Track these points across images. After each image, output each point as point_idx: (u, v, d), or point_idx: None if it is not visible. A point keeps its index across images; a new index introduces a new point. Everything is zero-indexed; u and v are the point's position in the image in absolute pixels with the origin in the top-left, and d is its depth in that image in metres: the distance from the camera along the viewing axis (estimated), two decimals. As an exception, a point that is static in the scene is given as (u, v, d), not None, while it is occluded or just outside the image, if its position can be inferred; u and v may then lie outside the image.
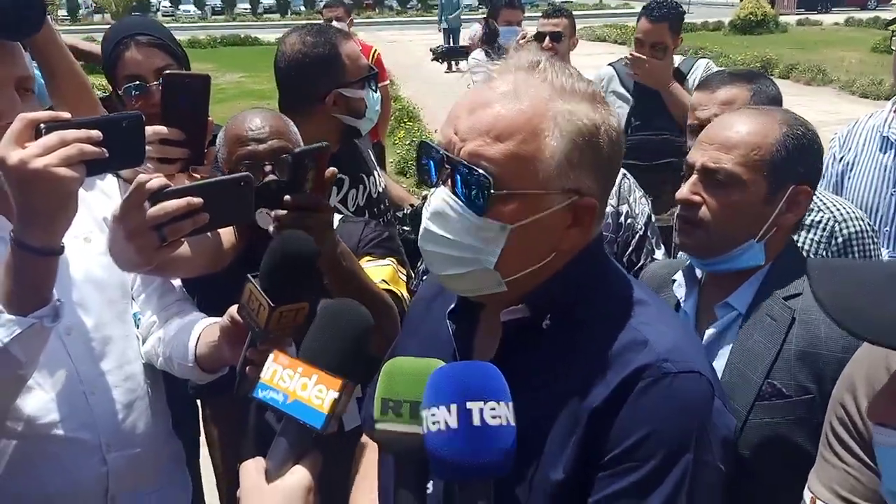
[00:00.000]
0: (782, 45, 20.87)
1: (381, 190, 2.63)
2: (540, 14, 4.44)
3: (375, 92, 2.45)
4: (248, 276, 1.41)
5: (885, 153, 2.69)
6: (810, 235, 2.08)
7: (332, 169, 1.70)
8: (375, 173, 2.65)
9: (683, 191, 1.62)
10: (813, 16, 30.30)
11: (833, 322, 0.92)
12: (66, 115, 1.35)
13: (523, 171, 1.09)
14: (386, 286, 1.88)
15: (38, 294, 1.40)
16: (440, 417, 0.96)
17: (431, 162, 1.17)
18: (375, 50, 5.97)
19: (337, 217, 2.11)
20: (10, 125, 1.49)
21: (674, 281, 1.75)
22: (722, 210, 1.58)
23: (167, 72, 1.85)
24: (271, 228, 1.63)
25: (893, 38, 2.69)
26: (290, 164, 1.64)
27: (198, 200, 1.40)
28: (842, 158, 2.83)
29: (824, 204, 2.13)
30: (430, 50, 16.40)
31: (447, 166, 1.13)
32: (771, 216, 1.58)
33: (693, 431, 1.09)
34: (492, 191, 1.08)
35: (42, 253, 1.36)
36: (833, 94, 14.53)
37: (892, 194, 2.66)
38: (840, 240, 2.06)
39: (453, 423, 0.95)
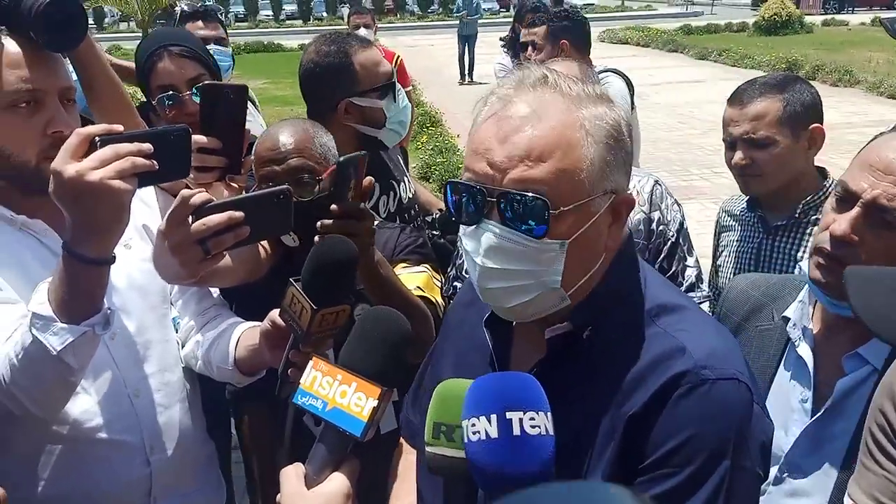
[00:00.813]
0: (808, 45, 20.65)
1: (410, 196, 2.66)
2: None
3: (397, 102, 2.40)
4: (291, 279, 1.44)
5: None
6: None
7: (369, 178, 1.73)
8: (406, 180, 2.67)
9: (842, 226, 1.38)
10: (839, 16, 29.96)
11: (867, 330, 0.92)
12: (120, 128, 1.39)
13: (571, 184, 1.10)
14: (421, 293, 1.90)
15: (90, 302, 1.44)
16: (480, 428, 0.97)
17: (471, 198, 1.13)
18: (398, 56, 6.04)
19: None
20: (55, 134, 1.54)
21: (785, 318, 1.55)
22: (883, 254, 1.35)
23: (205, 82, 1.89)
24: (294, 242, 1.66)
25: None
26: (334, 173, 1.67)
27: (239, 214, 1.43)
28: None
29: None
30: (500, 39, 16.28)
31: (490, 199, 1.11)
32: None
33: (731, 438, 1.09)
34: (551, 211, 1.08)
35: (97, 262, 1.40)
36: (861, 94, 14.34)
37: None
38: None
39: (493, 433, 0.97)
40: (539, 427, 0.97)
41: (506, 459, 0.96)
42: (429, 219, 2.74)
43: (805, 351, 1.51)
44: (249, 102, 3.12)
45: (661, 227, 2.42)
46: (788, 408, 1.55)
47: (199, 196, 1.42)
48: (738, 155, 2.22)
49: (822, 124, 2.25)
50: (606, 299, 1.20)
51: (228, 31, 4.10)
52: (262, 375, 1.83)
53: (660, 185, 2.49)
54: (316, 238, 1.62)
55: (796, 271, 1.68)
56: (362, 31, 5.61)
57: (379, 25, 6.21)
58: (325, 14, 42.82)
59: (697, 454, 1.08)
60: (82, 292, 1.42)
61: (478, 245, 1.13)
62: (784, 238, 2.27)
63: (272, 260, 1.96)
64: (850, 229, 1.37)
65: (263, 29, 37.08)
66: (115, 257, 1.44)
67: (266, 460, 2.24)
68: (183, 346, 1.92)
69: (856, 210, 1.38)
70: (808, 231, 2.14)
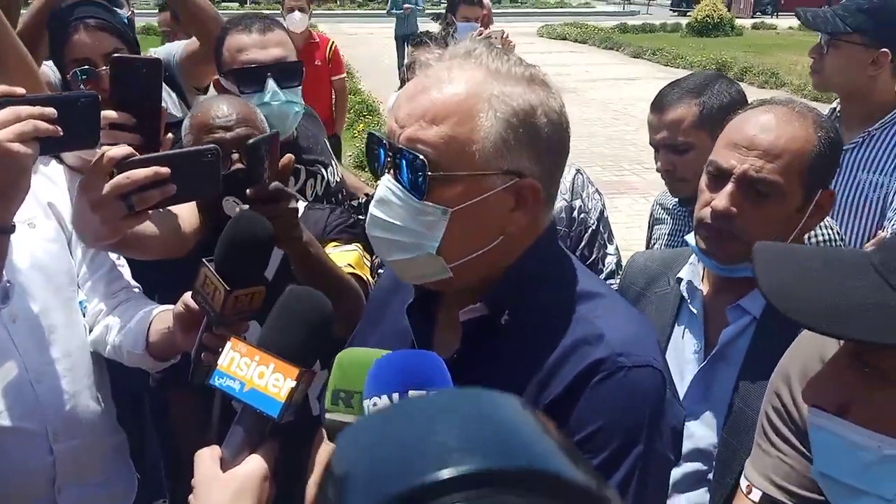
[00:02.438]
0: (737, 47, 21.22)
1: (338, 180, 2.63)
2: (501, 11, 4.52)
3: (264, 93, 2.19)
4: (203, 259, 1.40)
5: None
6: None
7: (288, 155, 1.69)
8: (333, 163, 2.65)
9: (722, 202, 1.50)
10: (768, 20, 30.92)
11: (774, 308, 0.94)
12: (21, 90, 1.32)
13: (459, 153, 1.10)
14: (352, 270, 1.89)
15: None
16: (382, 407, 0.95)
17: (381, 151, 1.18)
18: (332, 42, 6.07)
19: (302, 204, 2.10)
20: None
21: (679, 279, 1.69)
22: (762, 222, 1.49)
23: (116, 55, 1.80)
24: (235, 210, 1.62)
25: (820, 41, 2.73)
26: (247, 154, 1.62)
27: (165, 170, 1.38)
28: None
29: None
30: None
31: (390, 154, 1.15)
32: (800, 223, 1.52)
33: (644, 423, 1.11)
34: (429, 173, 1.09)
35: None
36: (786, 96, 14.84)
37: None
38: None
39: None
40: None
41: None
42: (355, 203, 2.72)
43: (697, 306, 1.64)
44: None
45: (582, 216, 2.45)
46: (684, 360, 1.64)
47: (122, 149, 1.37)
48: (662, 160, 2.27)
49: None
50: (522, 283, 1.19)
51: (159, 11, 3.90)
52: (175, 361, 1.77)
53: (581, 173, 2.51)
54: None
55: (686, 243, 1.78)
56: (296, 15, 5.50)
57: (318, 12, 6.21)
58: (262, -2, 42.06)
59: (612, 439, 1.09)
60: None
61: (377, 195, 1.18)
62: None
63: (199, 235, 1.89)
64: (729, 203, 1.50)
65: (198, 11, 36.14)
66: (14, 226, 1.38)
67: (192, 448, 2.18)
68: (91, 331, 1.84)
69: (730, 185, 1.50)
70: None
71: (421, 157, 1.09)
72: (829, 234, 2.09)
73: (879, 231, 2.56)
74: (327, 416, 1.04)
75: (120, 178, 1.36)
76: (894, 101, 2.65)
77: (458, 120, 1.10)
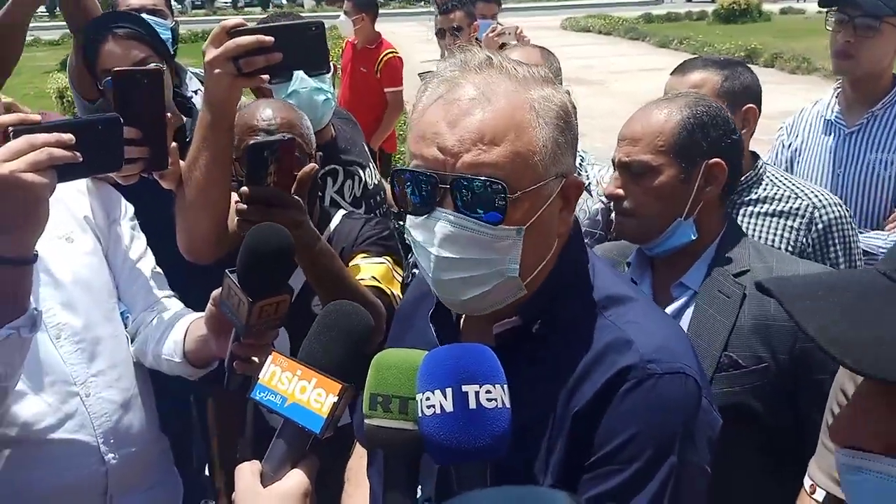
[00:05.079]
0: (766, 33, 20.87)
1: (376, 182, 2.62)
2: (525, 5, 4.50)
3: (299, 76, 2.34)
4: (227, 271, 1.40)
5: (828, 136, 2.79)
6: (789, 223, 2.10)
7: (310, 165, 1.68)
8: (371, 166, 2.64)
9: (609, 187, 1.76)
10: (796, 4, 30.41)
11: (832, 360, 0.81)
12: (36, 117, 1.32)
13: (525, 167, 1.06)
14: (377, 284, 1.86)
15: (13, 304, 1.36)
16: (435, 401, 0.94)
17: (425, 186, 1.09)
18: (389, 52, 5.68)
19: (340, 213, 2.09)
20: None
21: (628, 264, 1.84)
22: (643, 197, 1.70)
23: (116, 69, 1.79)
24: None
25: (828, 19, 2.69)
26: (249, 154, 1.60)
27: (269, 38, 1.57)
28: (790, 145, 2.92)
29: (801, 191, 2.14)
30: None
31: (443, 186, 1.07)
32: (691, 193, 1.69)
33: (678, 433, 1.08)
34: (509, 196, 1.05)
35: (13, 262, 1.33)
36: (819, 81, 14.54)
37: (837, 174, 2.74)
38: (820, 226, 2.08)
39: (449, 407, 0.93)
40: (496, 400, 0.94)
41: (461, 433, 0.93)
42: (395, 209, 2.71)
43: (646, 287, 1.80)
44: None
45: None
46: None
47: (234, 19, 1.62)
48: None
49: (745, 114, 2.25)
50: (555, 291, 1.17)
51: (186, 18, 3.92)
52: (213, 367, 1.78)
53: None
54: (236, 223, 1.57)
55: None
56: (342, 18, 5.55)
57: (338, 13, 6.13)
58: (284, 1, 42.32)
59: (644, 450, 1.06)
60: (3, 294, 1.35)
61: (431, 235, 1.09)
62: None
63: (235, 238, 1.88)
64: (614, 187, 1.75)
65: (221, 16, 36.48)
66: (36, 256, 1.37)
67: (227, 446, 2.20)
68: (133, 341, 1.86)
69: (615, 172, 1.77)
70: (741, 211, 2.15)
71: (497, 181, 1.04)
72: (838, 212, 2.11)
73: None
74: (366, 422, 1.02)
75: (229, 43, 1.57)
76: (893, 82, 2.71)
77: (515, 135, 1.06)
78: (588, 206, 2.45)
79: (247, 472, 1.06)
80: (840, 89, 2.82)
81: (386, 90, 5.63)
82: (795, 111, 3.04)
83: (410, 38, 18.06)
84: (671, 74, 2.35)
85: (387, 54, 5.66)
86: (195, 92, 2.84)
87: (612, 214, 2.42)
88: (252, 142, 1.62)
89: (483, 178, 1.05)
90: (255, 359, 1.47)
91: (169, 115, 1.75)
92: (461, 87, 1.08)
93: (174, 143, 1.80)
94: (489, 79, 1.08)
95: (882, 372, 0.78)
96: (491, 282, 1.11)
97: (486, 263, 1.09)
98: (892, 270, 0.86)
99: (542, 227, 1.11)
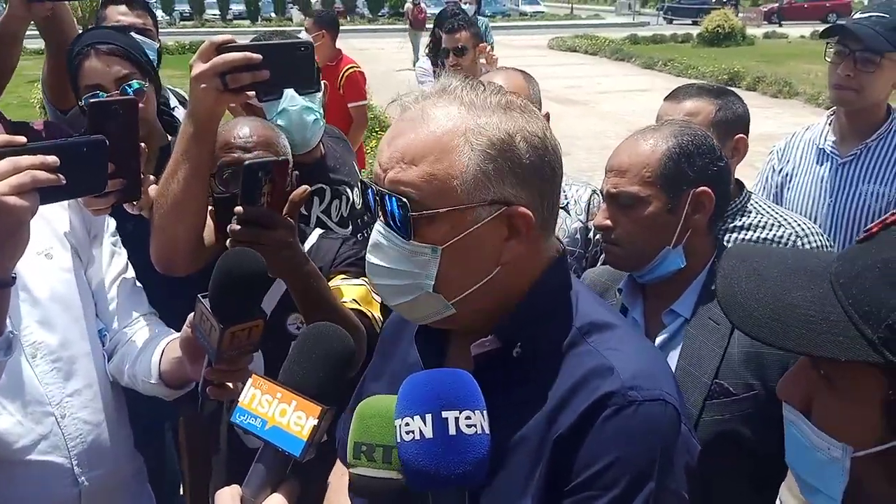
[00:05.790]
0: (749, 57, 21.17)
1: (363, 202, 2.62)
2: (511, 24, 4.53)
3: (289, 94, 2.28)
4: (199, 296, 1.38)
5: (821, 165, 2.78)
6: None
7: (303, 187, 1.67)
8: (360, 185, 2.63)
9: (598, 218, 1.79)
10: (779, 28, 30.87)
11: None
12: (21, 139, 1.30)
13: (441, 189, 1.09)
14: (356, 306, 1.84)
15: None
16: (415, 427, 0.94)
17: (371, 196, 1.19)
18: (350, 67, 5.60)
19: (317, 232, 2.08)
20: None
21: (620, 290, 1.85)
22: (632, 227, 1.72)
23: (93, 100, 1.76)
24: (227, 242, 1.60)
25: (827, 51, 2.71)
26: (242, 176, 1.59)
27: (256, 56, 1.61)
28: (780, 170, 2.91)
29: (785, 219, 2.17)
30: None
31: (377, 198, 1.15)
32: (679, 222, 1.70)
33: (656, 459, 1.08)
34: (411, 213, 1.09)
35: None
36: (800, 106, 14.74)
37: (828, 204, 2.73)
38: None
39: (428, 433, 0.93)
40: (475, 426, 0.94)
41: (440, 460, 0.93)
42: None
43: (637, 314, 1.80)
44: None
45: (598, 236, 2.42)
46: None
47: (223, 36, 1.65)
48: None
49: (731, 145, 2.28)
50: (534, 315, 1.17)
51: (174, 30, 3.90)
52: (189, 388, 1.76)
53: (597, 194, 2.50)
54: (228, 243, 1.56)
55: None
56: (302, 34, 5.50)
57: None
58: (273, 14, 42.37)
59: (623, 476, 1.06)
60: None
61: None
62: None
63: (212, 252, 1.85)
64: (603, 218, 1.77)
65: (210, 28, 36.44)
66: (14, 279, 1.35)
67: (199, 466, 2.17)
68: (110, 360, 1.83)
69: (604, 204, 1.79)
70: (726, 238, 2.17)
71: (403, 198, 1.10)
72: (819, 241, 2.14)
73: None
74: (351, 470, 1.01)
75: (217, 59, 1.60)
76: (887, 113, 2.71)
77: (435, 158, 1.09)
78: (567, 224, 2.47)
79: (227, 497, 1.05)
80: (833, 117, 2.81)
81: (350, 105, 5.55)
82: (785, 135, 3.04)
83: (391, 53, 18.12)
84: (665, 100, 2.36)
85: (348, 69, 5.60)
86: (173, 108, 2.83)
87: (591, 233, 2.47)
88: (247, 162, 1.62)
89: (396, 195, 1.10)
90: (230, 385, 1.46)
91: (143, 145, 1.72)
92: (409, 111, 1.15)
93: (151, 176, 1.79)
94: (435, 105, 1.13)
95: (753, 332, 0.92)
96: (412, 293, 1.15)
97: (405, 275, 1.15)
98: (835, 272, 0.92)
99: (468, 251, 1.12)
